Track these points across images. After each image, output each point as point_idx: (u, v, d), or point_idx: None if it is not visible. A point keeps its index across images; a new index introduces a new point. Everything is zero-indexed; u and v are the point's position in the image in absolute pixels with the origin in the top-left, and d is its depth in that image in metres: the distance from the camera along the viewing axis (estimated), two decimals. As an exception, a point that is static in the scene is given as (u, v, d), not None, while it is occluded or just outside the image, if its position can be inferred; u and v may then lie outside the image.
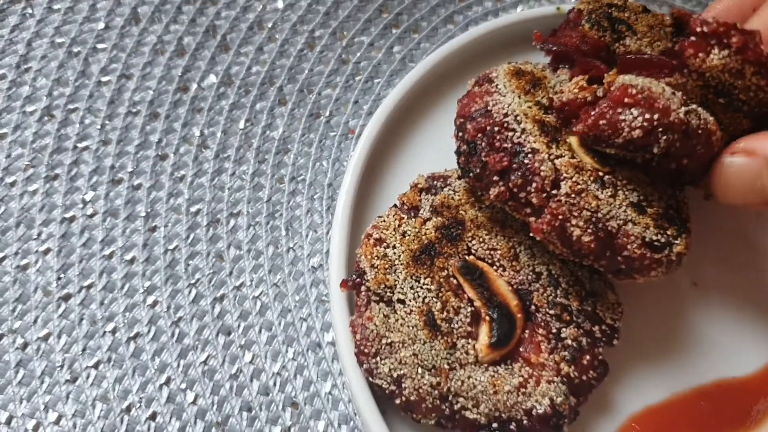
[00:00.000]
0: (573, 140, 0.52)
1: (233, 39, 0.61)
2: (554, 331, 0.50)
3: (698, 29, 0.45)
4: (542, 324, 0.50)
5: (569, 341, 0.50)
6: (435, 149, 0.57)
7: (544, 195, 0.48)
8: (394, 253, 0.51)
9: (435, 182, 0.55)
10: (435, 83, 0.60)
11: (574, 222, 0.47)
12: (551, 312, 0.51)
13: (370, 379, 0.49)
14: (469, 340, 0.49)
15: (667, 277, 0.53)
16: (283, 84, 0.60)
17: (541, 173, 0.48)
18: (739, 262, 0.61)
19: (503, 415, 0.48)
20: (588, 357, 0.51)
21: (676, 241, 0.50)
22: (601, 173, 0.50)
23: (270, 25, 0.62)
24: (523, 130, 0.50)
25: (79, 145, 0.56)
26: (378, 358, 0.48)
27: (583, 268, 0.53)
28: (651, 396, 0.55)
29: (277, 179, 0.57)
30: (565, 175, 0.49)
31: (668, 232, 0.50)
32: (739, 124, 0.49)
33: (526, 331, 0.50)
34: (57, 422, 0.49)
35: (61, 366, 0.51)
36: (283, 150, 0.58)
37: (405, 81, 0.58)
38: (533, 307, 0.51)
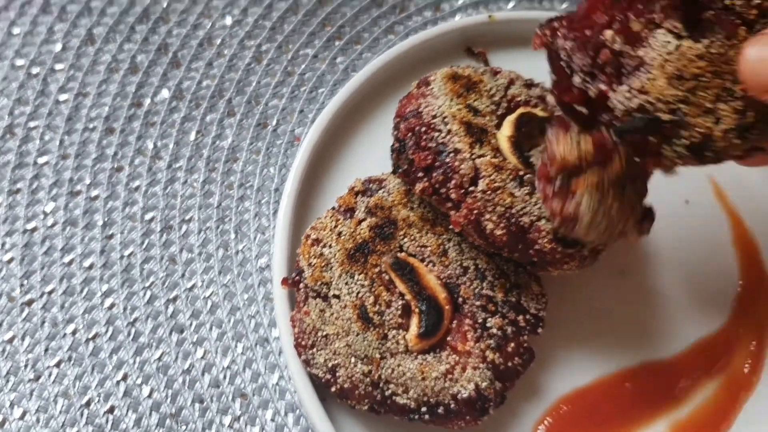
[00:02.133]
0: (501, 139, 0.56)
1: (184, 55, 0.66)
2: (480, 321, 0.54)
3: None
4: (469, 315, 0.54)
5: (494, 330, 0.54)
6: (375, 154, 0.62)
7: (462, 191, 0.53)
8: (330, 252, 0.55)
9: (371, 185, 0.59)
10: (376, 90, 0.65)
11: (488, 216, 0.52)
12: (477, 303, 0.55)
13: (308, 369, 0.53)
14: (400, 331, 0.53)
15: (595, 267, 0.58)
16: (232, 96, 0.65)
17: (461, 171, 0.53)
18: (666, 250, 0.65)
19: (431, 399, 0.53)
20: (513, 344, 0.55)
21: (589, 239, 0.54)
22: (521, 173, 0.54)
23: (219, 41, 0.66)
24: (449, 131, 0.54)
25: (39, 160, 0.61)
26: (314, 350, 0.53)
27: (509, 262, 0.57)
28: (579, 379, 0.60)
29: (226, 186, 0.62)
30: (484, 173, 0.53)
31: (583, 229, 0.54)
32: None
33: (454, 322, 0.55)
34: (22, 417, 0.54)
35: (25, 366, 0.55)
36: (232, 158, 0.63)
37: (344, 89, 0.63)
38: (461, 299, 0.55)
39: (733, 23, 0.38)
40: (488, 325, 0.55)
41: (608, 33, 0.39)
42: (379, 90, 0.65)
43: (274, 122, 0.66)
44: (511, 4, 0.74)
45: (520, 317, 0.56)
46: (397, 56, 0.65)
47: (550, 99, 0.62)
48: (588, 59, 0.40)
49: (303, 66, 0.68)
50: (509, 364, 0.55)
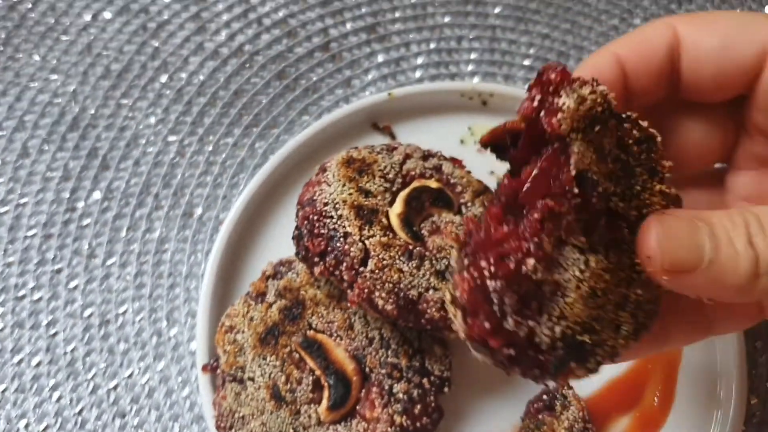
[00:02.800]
0: (392, 216, 0.61)
1: (113, 157, 0.72)
2: (387, 387, 0.59)
3: (533, 103, 0.38)
4: (376, 383, 0.59)
5: (401, 395, 0.59)
6: (288, 236, 0.66)
7: (353, 272, 0.58)
8: (243, 338, 0.60)
9: (281, 267, 0.64)
10: (289, 173, 0.71)
11: (377, 294, 0.57)
12: (383, 371, 0.60)
13: (230, 447, 0.58)
14: (312, 405, 0.59)
15: None
16: (159, 190, 0.71)
17: (351, 254, 0.58)
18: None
19: (344, 466, 0.57)
20: (419, 406, 0.60)
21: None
22: (411, 247, 0.59)
23: (144, 140, 0.73)
24: (340, 216, 0.59)
25: (-15, 270, 0.67)
26: (233, 430, 0.58)
27: (412, 329, 0.62)
28: (495, 428, 0.64)
29: (157, 276, 0.68)
30: (373, 253, 0.58)
31: (470, 293, 0.59)
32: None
33: (363, 391, 0.59)
34: None
35: (-17, 462, 0.61)
36: (161, 249, 0.69)
37: (258, 176, 0.69)
38: (368, 369, 0.60)
39: (619, 227, 0.39)
40: (395, 390, 0.60)
41: (530, 263, 0.36)
42: (292, 172, 0.71)
43: (200, 210, 0.72)
44: (418, 73, 0.79)
45: (425, 380, 0.61)
46: (306, 140, 0.70)
47: (446, 167, 0.67)
48: (515, 297, 0.36)
49: (224, 155, 0.74)
50: (417, 424, 0.60)
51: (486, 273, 0.36)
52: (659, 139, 0.41)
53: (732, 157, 0.47)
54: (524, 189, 0.37)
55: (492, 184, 0.70)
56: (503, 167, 0.74)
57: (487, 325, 0.36)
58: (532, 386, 0.65)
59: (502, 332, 0.36)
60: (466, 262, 0.37)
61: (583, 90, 0.38)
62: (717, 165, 0.49)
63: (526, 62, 0.80)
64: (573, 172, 0.36)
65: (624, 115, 0.41)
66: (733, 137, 0.47)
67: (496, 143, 0.42)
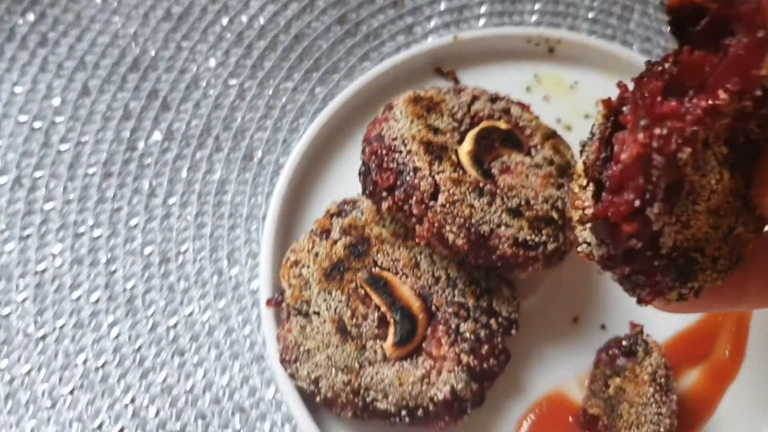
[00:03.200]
0: (462, 154, 0.60)
1: (173, 99, 0.71)
2: (453, 327, 0.58)
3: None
4: (443, 322, 0.58)
5: (468, 335, 0.58)
6: (352, 176, 0.65)
7: (423, 206, 0.57)
8: (308, 272, 0.60)
9: (345, 206, 0.63)
10: (351, 116, 0.70)
11: (448, 228, 0.56)
12: (450, 310, 0.58)
13: (294, 381, 0.57)
14: (378, 341, 0.57)
15: (573, 266, 0.62)
16: (219, 133, 0.70)
17: (421, 188, 0.57)
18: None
19: (410, 403, 0.56)
20: (487, 347, 0.58)
21: (550, 240, 0.58)
22: (481, 184, 0.58)
23: (204, 83, 0.72)
24: (409, 151, 0.58)
25: (45, 207, 0.67)
26: (298, 364, 0.57)
27: (479, 269, 0.61)
28: (560, 376, 0.63)
29: (217, 217, 0.67)
30: (443, 188, 0.57)
31: (543, 232, 0.58)
32: None
33: (429, 329, 0.58)
34: (41, 442, 0.59)
35: (42, 395, 0.61)
36: (222, 191, 0.68)
37: (319, 118, 0.68)
38: (434, 308, 0.59)
39: (748, 153, 0.34)
40: (461, 330, 0.58)
41: (687, 152, 0.31)
42: (353, 115, 0.70)
43: (260, 154, 0.71)
44: (482, 21, 0.78)
45: (492, 320, 0.59)
46: (368, 83, 0.69)
47: (515, 110, 0.66)
48: (666, 184, 0.32)
49: (284, 99, 0.73)
50: (484, 365, 0.58)
51: (655, 144, 0.31)
52: None
53: None
54: (709, 69, 0.31)
55: (560, 131, 0.68)
56: (570, 116, 0.72)
57: (637, 202, 0.31)
58: (598, 337, 0.63)
59: (641, 218, 0.32)
60: (643, 123, 0.31)
61: None
62: None
63: (591, 15, 0.79)
64: (764, 72, 0.30)
65: None
66: None
67: (682, 9, 0.35)
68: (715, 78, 0.31)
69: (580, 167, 0.34)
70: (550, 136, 0.66)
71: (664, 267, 0.34)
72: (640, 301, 0.36)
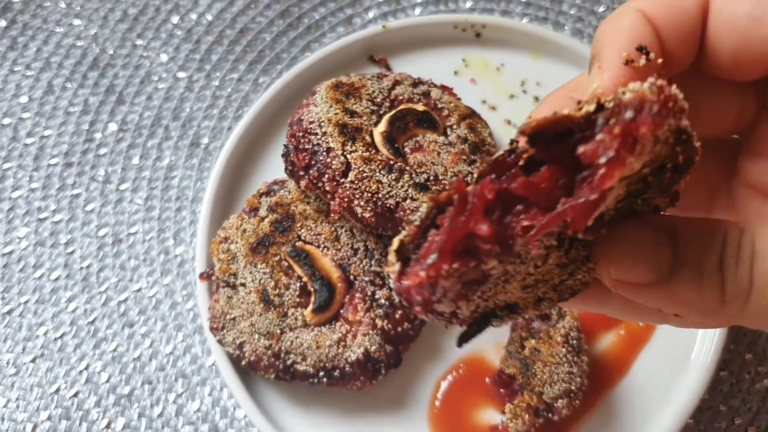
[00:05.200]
0: (376, 134, 0.64)
1: (129, 93, 0.78)
2: (369, 294, 0.63)
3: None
4: (359, 290, 0.63)
5: (382, 301, 0.63)
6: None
7: (335, 183, 0.61)
8: (236, 247, 0.65)
9: (274, 186, 0.68)
10: (287, 102, 0.74)
11: (356, 202, 0.60)
12: (366, 279, 0.63)
13: (222, 347, 0.62)
14: (298, 309, 0.62)
15: None
16: (169, 123, 0.76)
17: (333, 166, 0.61)
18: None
19: (327, 365, 0.61)
20: (401, 312, 0.63)
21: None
22: (392, 162, 0.62)
23: (156, 77, 0.78)
24: (324, 133, 0.63)
25: (12, 195, 0.74)
26: (224, 331, 0.62)
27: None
28: (478, 342, 0.66)
29: (165, 200, 0.73)
30: (354, 166, 0.62)
31: (447, 203, 0.62)
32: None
33: (347, 297, 0.63)
34: (5, 405, 0.67)
35: (7, 363, 0.68)
36: (170, 176, 0.74)
37: (255, 105, 0.74)
38: (352, 277, 0.63)
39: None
40: (377, 296, 0.63)
41: (492, 263, 0.31)
42: (290, 102, 0.74)
43: (206, 141, 0.76)
44: (417, 11, 0.82)
45: (406, 288, 0.63)
46: (301, 72, 0.74)
47: (434, 93, 0.70)
48: (459, 286, 0.32)
49: (229, 89, 0.78)
50: (399, 329, 0.63)
51: (443, 272, 0.31)
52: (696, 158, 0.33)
53: (749, 137, 0.41)
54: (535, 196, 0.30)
55: (483, 113, 0.72)
56: (495, 96, 0.76)
57: (419, 298, 0.32)
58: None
59: (430, 308, 0.32)
60: (431, 259, 0.31)
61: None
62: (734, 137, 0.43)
63: (525, -2, 0.82)
64: (589, 223, 0.29)
65: (683, 137, 0.31)
66: (753, 114, 0.40)
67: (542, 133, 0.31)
68: (540, 224, 0.30)
69: (396, 241, 0.33)
70: (468, 116, 0.70)
71: (463, 336, 0.36)
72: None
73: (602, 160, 0.27)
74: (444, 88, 0.72)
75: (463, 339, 0.36)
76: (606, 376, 0.67)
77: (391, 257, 0.34)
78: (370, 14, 0.82)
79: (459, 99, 0.72)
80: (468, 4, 0.82)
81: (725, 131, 0.41)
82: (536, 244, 0.30)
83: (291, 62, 0.80)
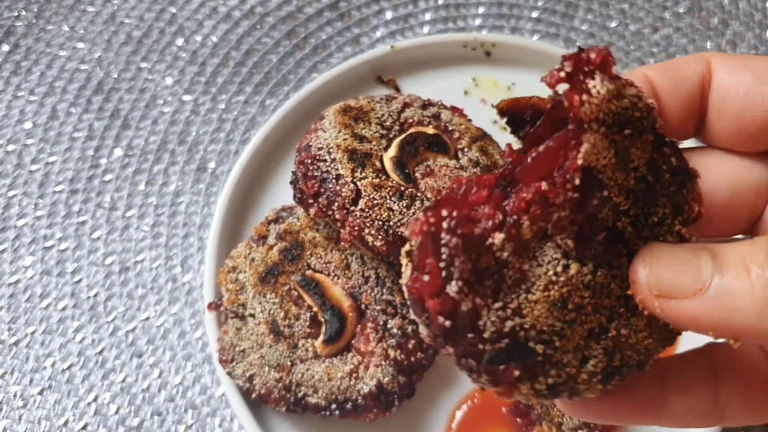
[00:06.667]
0: (386, 160, 0.63)
1: (134, 117, 0.77)
2: (381, 323, 0.61)
3: (560, 73, 0.33)
4: (371, 319, 0.62)
5: (395, 330, 0.61)
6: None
7: (345, 211, 0.60)
8: (245, 277, 0.64)
9: (282, 213, 0.67)
10: (295, 125, 0.73)
11: (367, 231, 0.59)
12: (378, 308, 0.62)
13: (231, 379, 0.61)
14: (309, 339, 0.61)
15: None
16: (175, 147, 0.75)
17: (343, 194, 0.60)
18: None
19: (339, 397, 0.60)
20: (413, 341, 0.62)
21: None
22: (403, 188, 0.61)
23: (161, 101, 0.77)
24: (333, 160, 0.62)
25: (18, 223, 0.74)
26: (234, 363, 0.61)
27: (407, 268, 0.64)
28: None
29: (172, 227, 0.72)
30: (364, 193, 0.61)
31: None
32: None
33: (359, 327, 0.62)
34: (13, 439, 0.65)
35: (14, 396, 0.67)
36: (176, 202, 0.73)
37: (263, 129, 0.72)
38: (363, 306, 0.62)
39: (618, 251, 0.34)
40: (389, 326, 0.62)
41: (499, 237, 0.32)
42: (297, 126, 0.73)
43: (213, 165, 0.75)
44: (426, 29, 0.81)
45: (419, 317, 0.62)
46: (309, 94, 0.73)
47: (445, 115, 0.69)
48: (470, 264, 0.32)
49: (236, 112, 0.77)
50: (412, 359, 0.62)
51: (444, 224, 0.32)
52: (698, 179, 0.36)
53: (757, 223, 0.40)
54: (523, 164, 0.34)
55: (495, 134, 0.71)
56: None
57: (426, 278, 0.32)
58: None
59: (443, 296, 0.32)
60: (426, 204, 0.34)
61: (626, 89, 0.34)
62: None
63: (534, 14, 0.81)
64: (579, 161, 0.32)
65: (667, 139, 0.36)
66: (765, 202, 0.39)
67: (514, 114, 0.38)
68: (529, 171, 0.33)
69: (406, 247, 0.34)
70: (479, 138, 0.68)
71: (494, 353, 0.33)
72: (500, 395, 0.34)
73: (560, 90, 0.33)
74: (454, 110, 0.71)
75: (494, 358, 0.33)
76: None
77: (403, 260, 0.34)
78: (378, 33, 0.81)
79: (470, 120, 0.71)
80: (477, 21, 0.81)
81: (737, 226, 0.40)
82: (525, 201, 0.32)
83: (298, 83, 0.78)
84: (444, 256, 0.32)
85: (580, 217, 0.33)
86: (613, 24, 0.81)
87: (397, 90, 0.76)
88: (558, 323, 0.33)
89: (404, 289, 0.34)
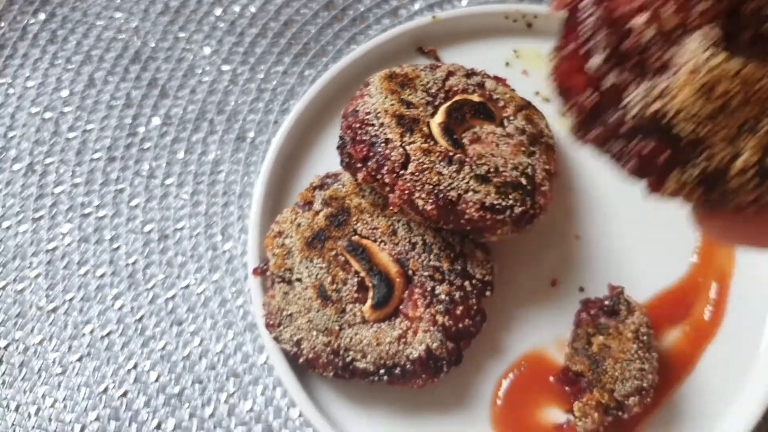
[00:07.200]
0: (433, 125, 0.63)
1: (172, 86, 0.76)
2: (429, 289, 0.61)
3: None
4: (418, 285, 0.61)
5: (443, 296, 0.61)
6: (336, 152, 0.69)
7: (395, 175, 0.60)
8: (291, 242, 0.63)
9: (327, 179, 0.67)
10: (336, 95, 0.73)
11: (417, 195, 0.59)
12: (426, 274, 0.61)
13: (278, 344, 0.61)
14: (357, 305, 0.61)
15: (552, 231, 0.64)
16: (214, 116, 0.74)
17: (392, 158, 0.60)
18: (624, 206, 0.69)
19: (387, 362, 0.59)
20: (461, 308, 0.61)
21: (517, 204, 0.60)
22: (451, 153, 0.61)
23: (200, 70, 0.76)
24: (381, 124, 0.61)
25: (55, 191, 0.73)
26: (281, 327, 0.61)
27: (454, 234, 0.64)
28: (540, 337, 0.65)
29: (212, 195, 0.71)
30: (413, 157, 0.60)
31: (510, 197, 0.60)
32: None
33: (406, 292, 0.61)
34: (52, 405, 0.65)
35: (53, 362, 0.66)
36: (216, 171, 0.73)
37: (304, 98, 0.72)
38: (411, 272, 0.61)
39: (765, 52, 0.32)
40: (437, 292, 0.61)
41: (641, 20, 0.31)
42: (338, 94, 0.73)
43: (252, 134, 0.75)
44: (464, 1, 0.80)
45: (467, 283, 0.62)
46: (350, 64, 0.72)
47: (489, 84, 0.68)
48: (614, 38, 0.32)
49: (275, 82, 0.77)
50: (459, 325, 0.61)
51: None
52: None
53: None
54: None
55: (537, 105, 0.71)
56: (548, 88, 0.74)
57: (572, 46, 0.32)
58: (576, 300, 0.65)
59: (588, 72, 0.32)
60: None
61: None
62: None
63: (574, -11, 0.80)
64: None
65: None
66: None
67: None
68: None
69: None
70: (524, 107, 0.68)
71: (640, 132, 0.32)
72: (650, 190, 0.34)
73: None
74: (497, 79, 0.70)
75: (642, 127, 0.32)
76: (673, 372, 0.65)
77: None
78: (416, 5, 0.80)
79: (513, 90, 0.70)
80: (515, -5, 0.80)
81: None
82: None
83: (337, 55, 0.78)
84: (588, 27, 0.32)
85: (725, 4, 0.31)
86: None
87: (438, 60, 0.75)
88: (705, 109, 0.32)
89: (549, 78, 0.34)
